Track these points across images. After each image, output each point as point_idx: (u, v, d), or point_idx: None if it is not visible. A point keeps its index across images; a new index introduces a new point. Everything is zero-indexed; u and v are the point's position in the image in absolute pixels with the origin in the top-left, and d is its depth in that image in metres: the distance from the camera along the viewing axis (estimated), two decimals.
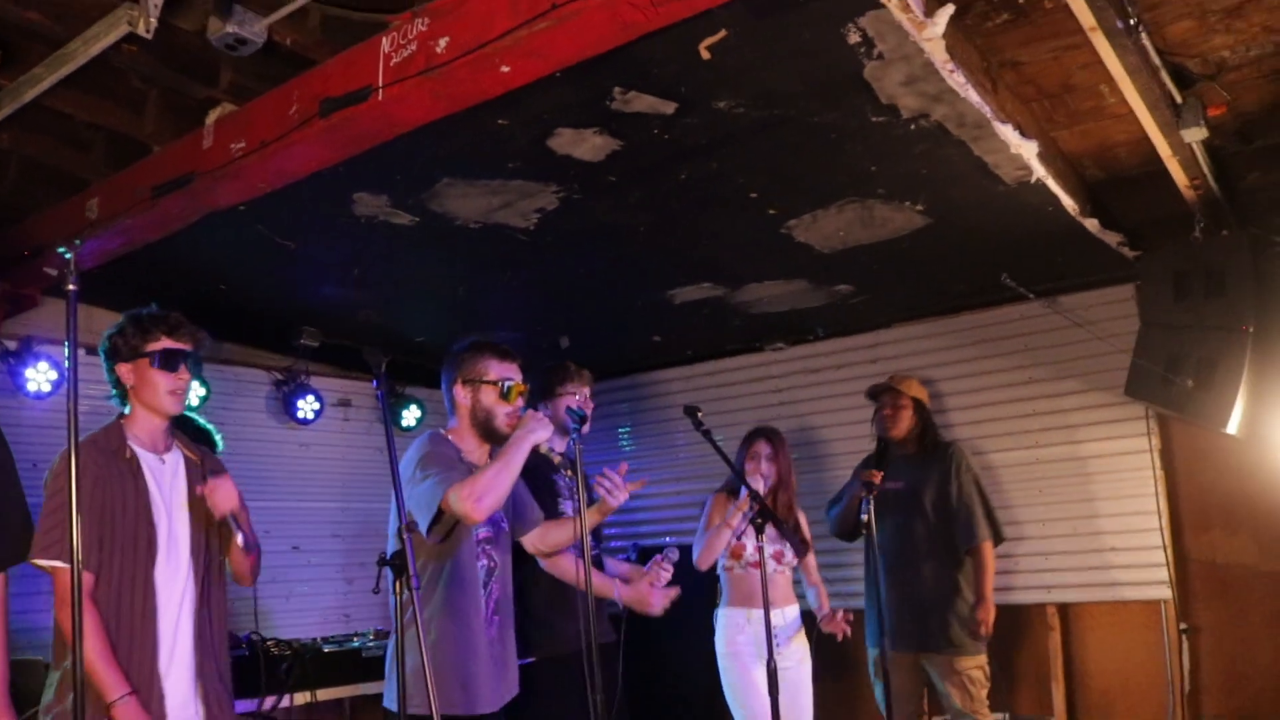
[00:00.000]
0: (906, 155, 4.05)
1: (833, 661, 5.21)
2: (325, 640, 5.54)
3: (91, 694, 2.77)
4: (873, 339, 6.26)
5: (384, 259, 5.28)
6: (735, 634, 4.68)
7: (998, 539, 5.01)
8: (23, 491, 2.84)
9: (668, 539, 6.88)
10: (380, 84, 3.33)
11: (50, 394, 5.38)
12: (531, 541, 3.79)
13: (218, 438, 5.54)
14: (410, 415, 7.26)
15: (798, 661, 4.72)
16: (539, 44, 3.03)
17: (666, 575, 4.02)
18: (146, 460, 3.06)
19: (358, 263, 5.38)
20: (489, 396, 3.52)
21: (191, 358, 3.15)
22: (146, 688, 2.91)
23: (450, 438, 3.53)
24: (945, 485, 5.02)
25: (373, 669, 5.42)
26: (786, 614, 4.74)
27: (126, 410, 3.14)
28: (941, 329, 6.01)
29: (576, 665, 3.85)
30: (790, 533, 4.34)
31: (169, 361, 3.09)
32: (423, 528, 3.26)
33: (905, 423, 5.15)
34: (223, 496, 3.03)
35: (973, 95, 3.60)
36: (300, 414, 6.50)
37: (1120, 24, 3.28)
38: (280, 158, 3.74)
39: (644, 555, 6.47)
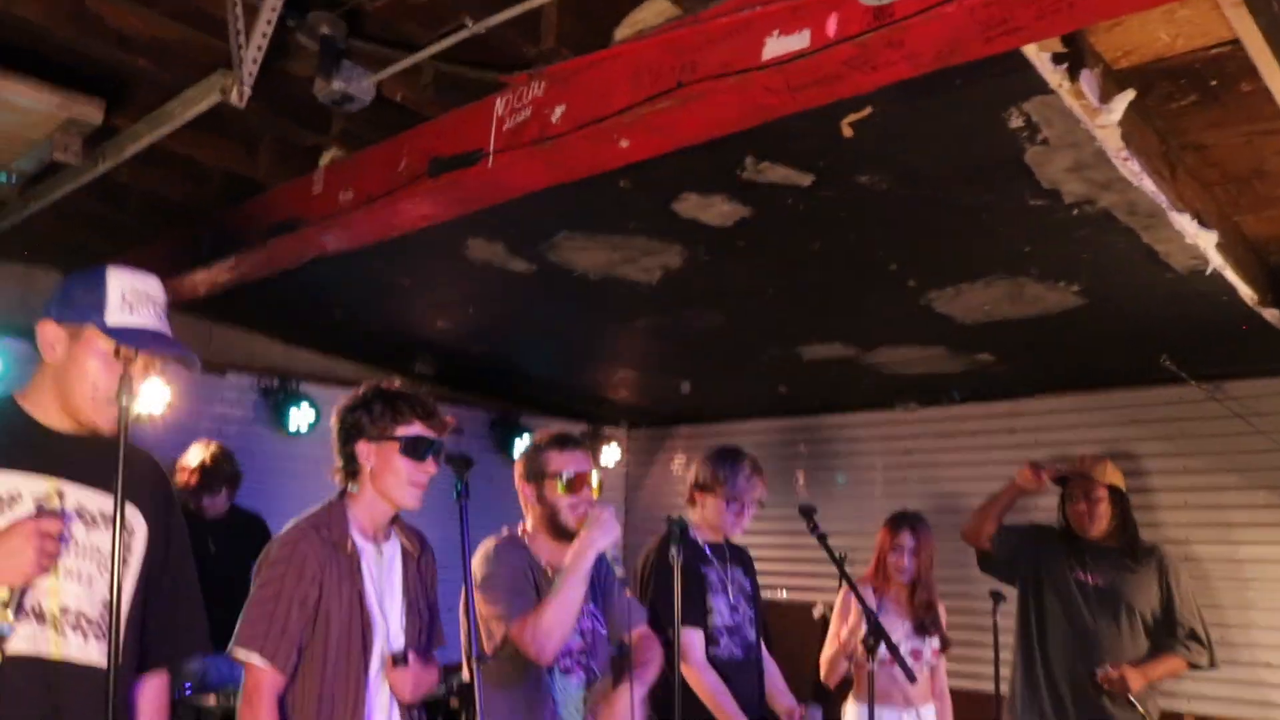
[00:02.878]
0: (1066, 239, 3.68)
1: None
2: None
3: None
4: (1012, 407, 5.84)
5: (499, 300, 5.10)
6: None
7: (1211, 663, 4.43)
8: (197, 587, 2.57)
9: (782, 592, 6.60)
10: (491, 149, 3.11)
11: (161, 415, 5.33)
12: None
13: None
14: (522, 445, 7.08)
15: None
16: (662, 121, 2.76)
17: None
18: (365, 553, 2.76)
19: (472, 302, 5.22)
20: (551, 490, 3.23)
21: (440, 449, 2.81)
22: None
23: (525, 539, 3.27)
24: (1164, 592, 4.44)
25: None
26: (922, 713, 4.39)
27: (353, 489, 2.80)
28: (1089, 404, 5.56)
29: None
30: (902, 656, 3.94)
31: (419, 450, 2.75)
32: (487, 649, 3.05)
33: (1103, 518, 4.52)
34: (412, 687, 2.71)
35: (1148, 184, 3.21)
36: None
37: None
38: (388, 211, 3.57)
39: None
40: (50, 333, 2.24)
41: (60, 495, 2.19)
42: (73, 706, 2.16)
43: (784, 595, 6.56)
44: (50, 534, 2.09)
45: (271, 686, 2.56)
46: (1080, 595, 4.50)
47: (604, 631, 3.32)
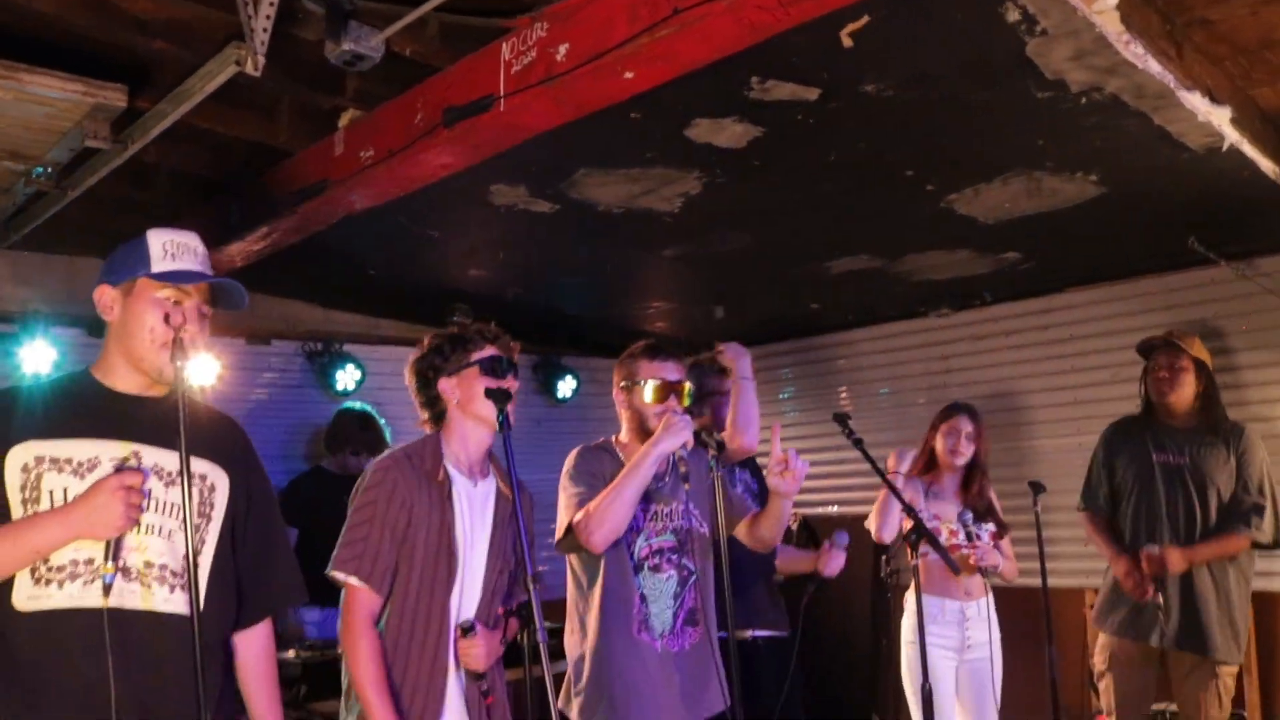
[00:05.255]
0: (1077, 128, 3.68)
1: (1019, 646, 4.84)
2: None
3: None
4: (1044, 304, 5.85)
5: (527, 243, 5.19)
6: (924, 622, 4.41)
7: (1276, 542, 4.40)
8: (287, 537, 2.73)
9: (834, 507, 6.70)
10: (502, 93, 3.19)
11: (214, 387, 5.50)
12: (741, 536, 3.58)
13: (382, 423, 5.64)
14: (565, 386, 7.21)
15: (986, 650, 4.47)
16: (663, 50, 2.82)
17: (839, 564, 4.03)
18: (460, 485, 2.89)
19: (502, 247, 5.31)
20: (639, 398, 3.38)
21: (515, 368, 2.97)
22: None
23: (616, 447, 3.44)
24: (1241, 470, 4.40)
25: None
26: (980, 604, 4.51)
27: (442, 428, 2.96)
28: (1119, 294, 5.55)
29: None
30: (945, 550, 4.02)
31: (498, 368, 2.90)
32: (556, 538, 3.30)
33: (1187, 388, 4.48)
34: (485, 658, 2.82)
35: (1153, 65, 3.21)
36: None
37: None
38: (409, 165, 3.67)
39: (806, 529, 6.35)
40: (106, 296, 2.37)
41: (137, 456, 2.31)
42: (167, 655, 2.29)
43: (835, 510, 6.67)
44: (134, 487, 2.21)
45: (367, 604, 2.73)
46: (1160, 475, 4.50)
47: (704, 530, 3.44)
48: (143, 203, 4.78)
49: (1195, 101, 3.44)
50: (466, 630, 2.79)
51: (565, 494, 3.30)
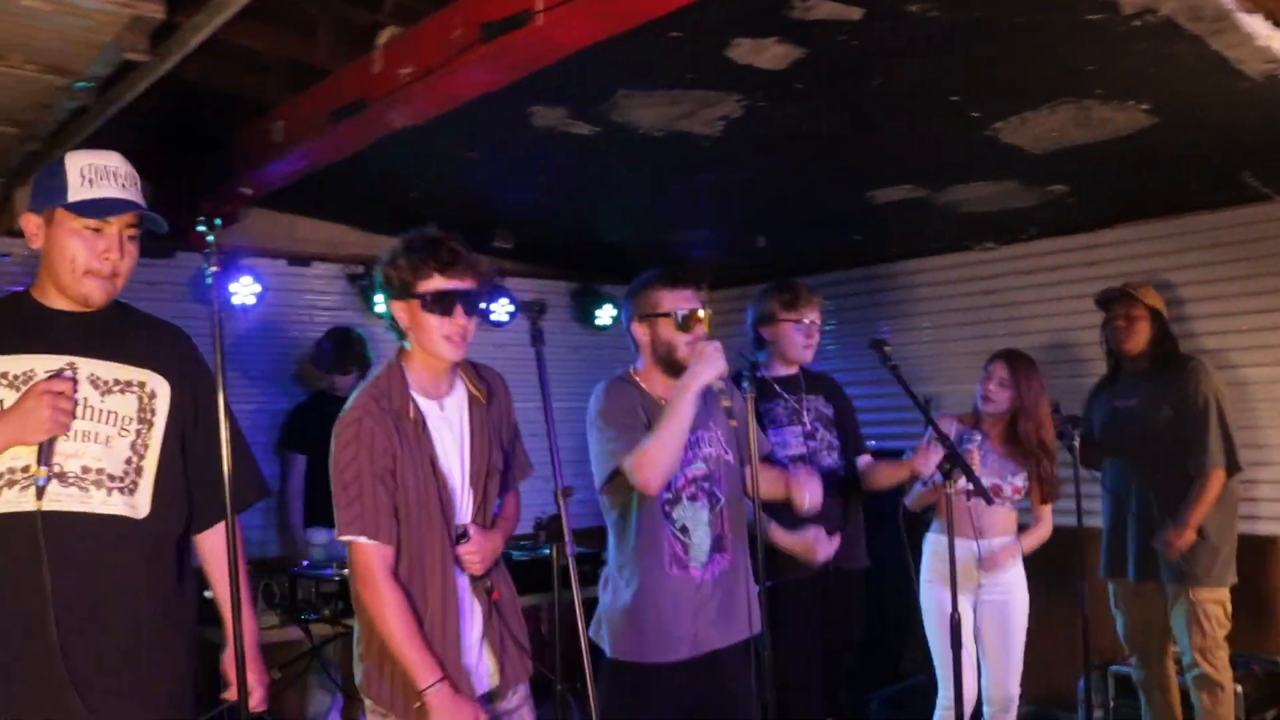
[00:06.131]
0: (1128, 53, 3.59)
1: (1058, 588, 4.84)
2: (517, 547, 5.59)
3: (400, 680, 2.63)
4: (1091, 239, 5.73)
5: (568, 166, 5.17)
6: (940, 563, 4.40)
7: (1232, 468, 4.50)
8: (243, 437, 2.73)
9: (871, 443, 6.64)
10: (540, 7, 3.15)
11: (254, 306, 5.57)
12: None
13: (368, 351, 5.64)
14: (605, 314, 7.21)
15: (1008, 592, 4.44)
16: None
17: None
18: (430, 414, 2.71)
19: (543, 171, 5.29)
20: (666, 329, 3.32)
21: (470, 297, 2.69)
22: (455, 668, 2.66)
23: (638, 379, 3.40)
24: (1184, 405, 4.52)
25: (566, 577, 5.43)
26: (991, 546, 4.42)
27: (407, 346, 2.75)
28: (1169, 230, 5.43)
29: (813, 589, 4.00)
30: (977, 478, 3.96)
31: (442, 305, 2.64)
32: (598, 484, 3.29)
33: (1141, 335, 4.65)
34: (480, 560, 2.75)
35: None
36: (494, 316, 6.53)
37: None
38: (447, 82, 3.64)
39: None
40: (30, 224, 2.44)
41: (72, 367, 2.40)
42: (107, 554, 2.39)
43: (872, 445, 6.62)
44: (61, 392, 2.31)
45: (382, 559, 2.60)
46: (1115, 419, 4.69)
47: (730, 459, 3.43)
48: (186, 125, 4.80)
49: (1256, 25, 3.33)
50: (460, 536, 2.71)
51: (601, 436, 3.25)
